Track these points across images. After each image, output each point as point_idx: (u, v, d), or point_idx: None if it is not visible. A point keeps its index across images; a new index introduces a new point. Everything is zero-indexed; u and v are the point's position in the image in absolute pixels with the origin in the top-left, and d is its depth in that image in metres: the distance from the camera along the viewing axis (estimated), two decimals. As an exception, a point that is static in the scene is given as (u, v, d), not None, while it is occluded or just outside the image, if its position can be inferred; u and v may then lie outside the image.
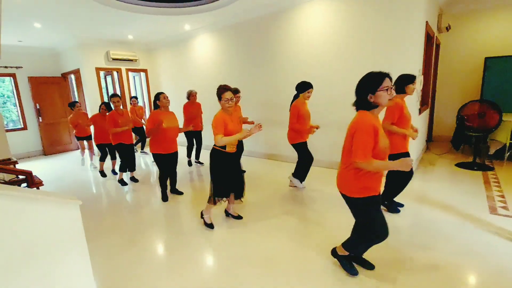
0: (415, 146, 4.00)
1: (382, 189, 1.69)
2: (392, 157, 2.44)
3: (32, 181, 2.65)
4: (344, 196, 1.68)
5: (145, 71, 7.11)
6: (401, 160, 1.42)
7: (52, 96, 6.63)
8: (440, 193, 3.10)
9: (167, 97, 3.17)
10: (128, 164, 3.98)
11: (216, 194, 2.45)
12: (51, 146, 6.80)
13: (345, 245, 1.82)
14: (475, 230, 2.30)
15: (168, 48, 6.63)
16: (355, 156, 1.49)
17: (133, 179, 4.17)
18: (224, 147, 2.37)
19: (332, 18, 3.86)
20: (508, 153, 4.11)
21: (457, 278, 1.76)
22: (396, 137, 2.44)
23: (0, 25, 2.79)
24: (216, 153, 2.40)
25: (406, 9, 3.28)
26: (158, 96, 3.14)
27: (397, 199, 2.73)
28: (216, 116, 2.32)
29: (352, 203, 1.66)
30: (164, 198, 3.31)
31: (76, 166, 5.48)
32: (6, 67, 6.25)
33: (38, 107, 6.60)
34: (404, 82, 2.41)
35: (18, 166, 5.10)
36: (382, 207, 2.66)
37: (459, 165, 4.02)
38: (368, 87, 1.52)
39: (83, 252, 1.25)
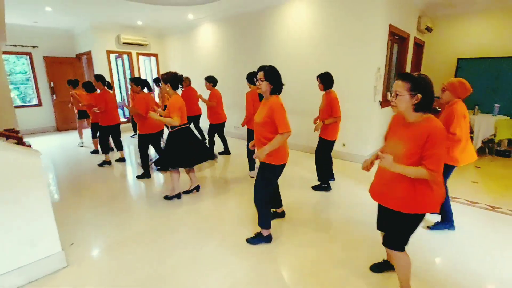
0: (375, 138, 4.45)
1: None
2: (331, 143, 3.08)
3: (22, 144, 2.90)
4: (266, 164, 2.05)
5: (155, 55, 7.59)
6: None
7: (66, 75, 7.12)
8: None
9: None
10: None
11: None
12: (64, 123, 7.36)
13: (260, 223, 2.18)
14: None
15: (177, 34, 7.08)
16: (283, 128, 1.93)
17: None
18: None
19: (312, 17, 4.37)
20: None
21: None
22: (335, 127, 3.03)
23: (4, 5, 3.03)
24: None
25: (368, 13, 3.77)
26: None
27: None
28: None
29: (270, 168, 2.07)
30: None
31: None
32: (22, 46, 6.72)
33: (52, 85, 7.14)
34: (331, 79, 2.98)
35: (31, 139, 5.67)
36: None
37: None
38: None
39: (43, 188, 1.82)
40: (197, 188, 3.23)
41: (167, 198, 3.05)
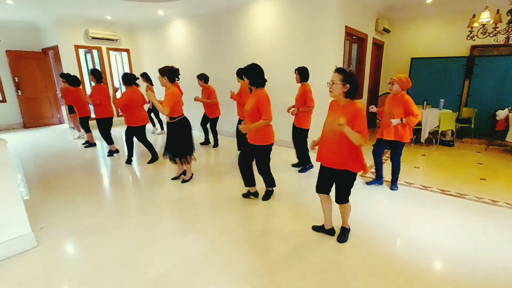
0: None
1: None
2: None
3: None
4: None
5: (127, 50, 7.50)
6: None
7: (32, 70, 6.88)
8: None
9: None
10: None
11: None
12: (31, 120, 7.12)
13: (268, 185, 2.88)
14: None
15: (149, 30, 7.04)
16: (265, 115, 2.44)
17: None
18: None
19: (276, 17, 4.60)
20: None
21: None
22: (307, 117, 3.45)
23: None
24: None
25: (324, 15, 4.06)
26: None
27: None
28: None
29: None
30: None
31: (53, 139, 5.98)
32: (-19, 39, 6.39)
33: (17, 80, 6.86)
34: (307, 73, 3.31)
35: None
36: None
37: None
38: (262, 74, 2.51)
39: (10, 173, 1.94)
40: (184, 173, 3.48)
41: (184, 181, 3.35)
